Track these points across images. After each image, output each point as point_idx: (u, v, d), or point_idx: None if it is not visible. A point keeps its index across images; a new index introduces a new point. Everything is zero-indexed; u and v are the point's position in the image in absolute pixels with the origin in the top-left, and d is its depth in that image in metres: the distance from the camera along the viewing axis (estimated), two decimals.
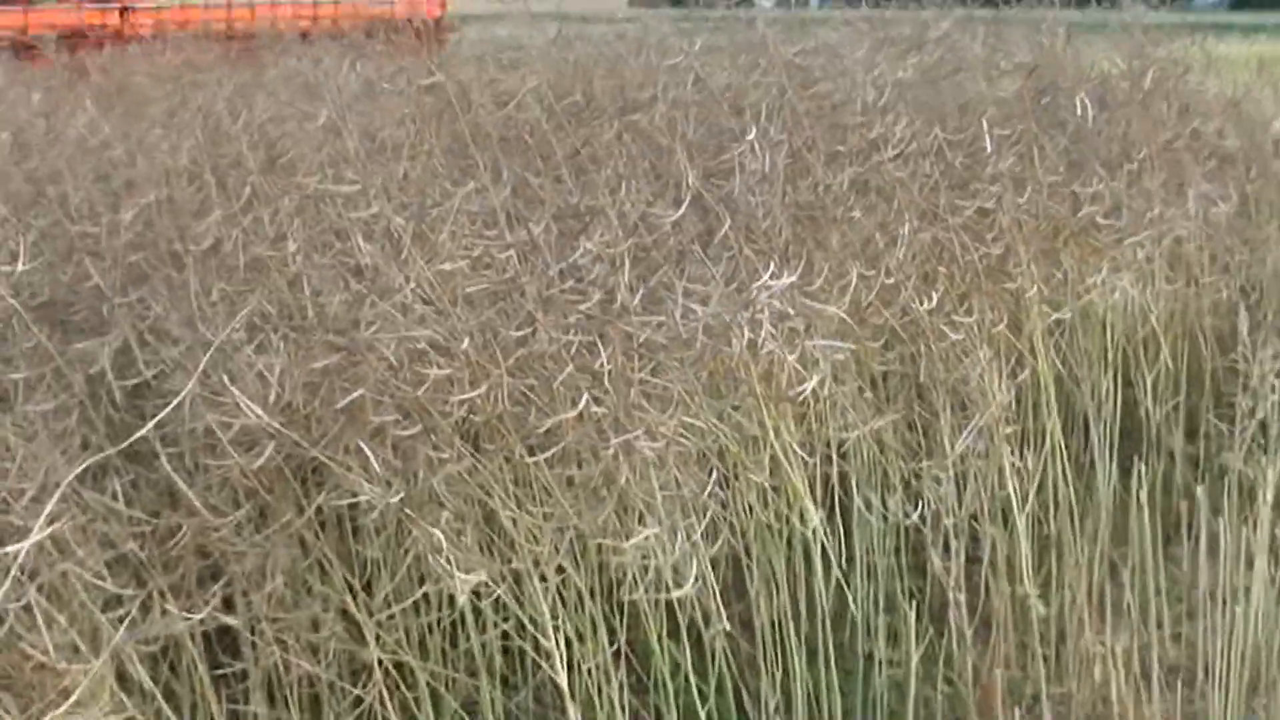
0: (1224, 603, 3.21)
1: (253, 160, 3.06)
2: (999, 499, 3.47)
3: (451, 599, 2.81)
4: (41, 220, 3.08)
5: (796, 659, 3.07)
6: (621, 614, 2.85)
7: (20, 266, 2.76)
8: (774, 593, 3.04)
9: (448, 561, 2.31)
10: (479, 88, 3.78)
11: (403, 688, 2.73)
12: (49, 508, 2.05)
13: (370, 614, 2.69)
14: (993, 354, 3.38)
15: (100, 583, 2.16)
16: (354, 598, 2.66)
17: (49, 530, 2.01)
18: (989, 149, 3.47)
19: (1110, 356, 4.05)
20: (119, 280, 2.89)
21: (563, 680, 2.48)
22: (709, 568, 2.61)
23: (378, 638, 2.67)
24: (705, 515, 2.63)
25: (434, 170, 3.15)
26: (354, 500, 2.33)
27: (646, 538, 2.45)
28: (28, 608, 2.20)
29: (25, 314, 2.69)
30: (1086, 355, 4.04)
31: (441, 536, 2.29)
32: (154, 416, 2.63)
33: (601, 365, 2.43)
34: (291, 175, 3.07)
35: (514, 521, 2.44)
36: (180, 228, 2.79)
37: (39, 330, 2.69)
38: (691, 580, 2.49)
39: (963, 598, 3.21)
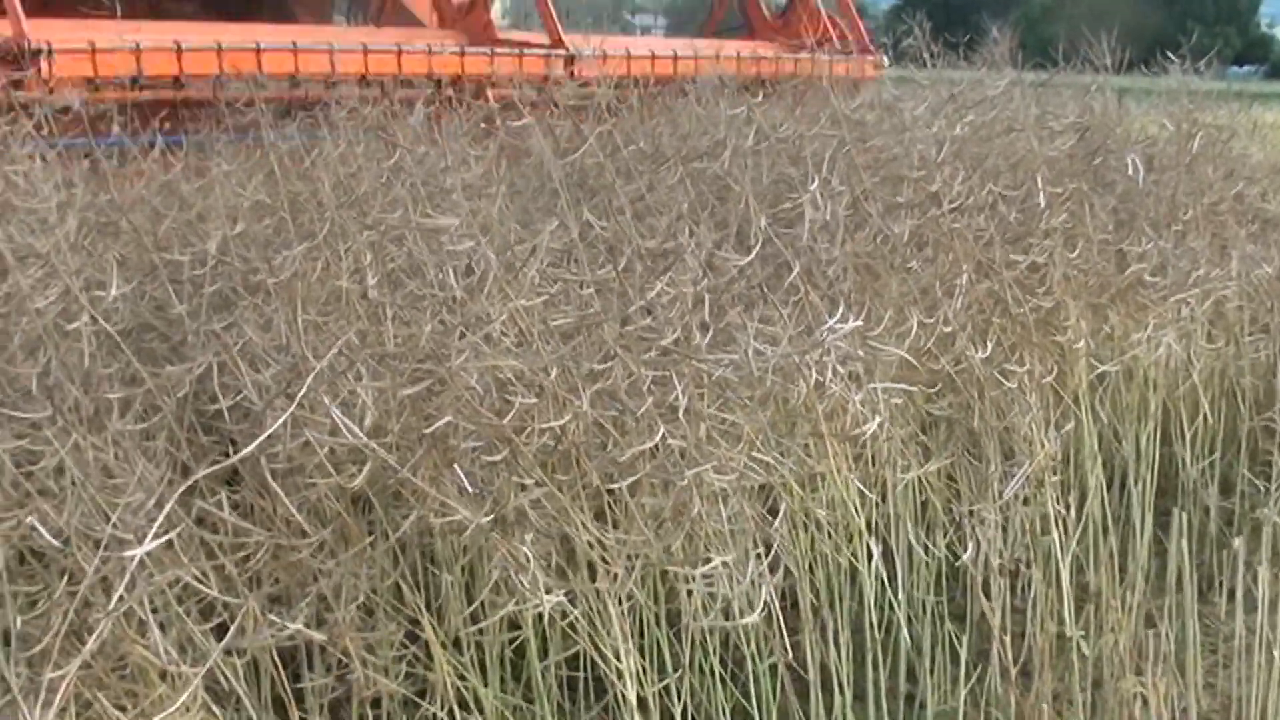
0: (1258, 653, 3.28)
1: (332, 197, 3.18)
2: (1042, 545, 3.55)
3: (514, 624, 2.90)
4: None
5: (844, 696, 3.14)
6: (681, 642, 2.93)
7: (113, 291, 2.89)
8: (825, 629, 3.12)
9: (531, 580, 2.41)
10: (541, 134, 3.89)
11: (470, 709, 2.81)
12: (158, 523, 2.15)
13: (438, 637, 2.78)
14: (1041, 404, 3.47)
15: (208, 591, 2.25)
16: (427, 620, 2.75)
17: (160, 541, 2.10)
18: (1042, 205, 3.57)
19: (1151, 411, 4.14)
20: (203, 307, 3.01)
21: (632, 694, 2.56)
22: (774, 598, 2.69)
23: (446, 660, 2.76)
24: (771, 549, 2.72)
25: (503, 212, 3.27)
26: (444, 520, 2.42)
27: (716, 567, 2.53)
28: (127, 616, 2.30)
29: (115, 338, 2.80)
30: (1128, 409, 4.13)
31: (529, 554, 2.38)
32: (238, 439, 2.74)
33: (676, 400, 2.53)
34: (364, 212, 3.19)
35: (591, 546, 2.53)
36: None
37: (127, 354, 2.80)
38: (759, 609, 2.57)
39: (1008, 640, 3.29)
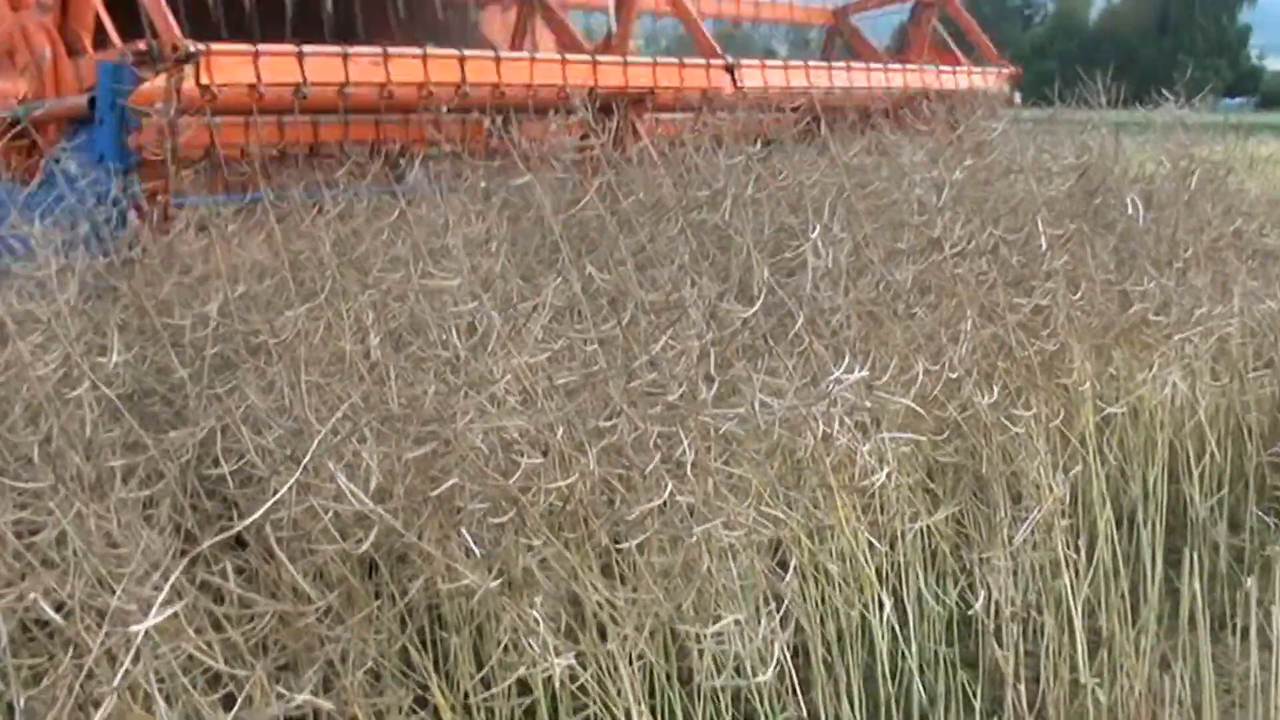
0: (1274, 692, 3.25)
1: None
2: (1053, 590, 3.52)
3: (525, 686, 2.86)
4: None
5: None
6: (693, 700, 2.89)
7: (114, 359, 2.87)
8: (837, 681, 3.09)
9: (541, 644, 2.38)
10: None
11: None
12: (163, 595, 2.12)
13: (447, 701, 2.75)
14: (1048, 448, 3.44)
15: (213, 663, 2.22)
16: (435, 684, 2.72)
17: (166, 614, 2.07)
18: (1043, 247, 3.56)
19: (1159, 450, 4.11)
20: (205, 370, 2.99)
21: None
22: (785, 653, 2.66)
23: None
24: (782, 604, 2.69)
25: (505, 267, 3.25)
26: (452, 586, 2.39)
27: (727, 625, 2.51)
28: (132, 689, 2.27)
29: (117, 404, 2.78)
30: (1135, 450, 4.10)
31: (539, 618, 2.36)
32: (242, 503, 2.72)
33: (683, 455, 2.51)
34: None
35: (600, 606, 2.50)
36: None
37: (129, 420, 2.78)
38: (772, 667, 2.54)
39: (1022, 689, 3.25)
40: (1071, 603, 3.49)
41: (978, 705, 3.11)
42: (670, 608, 2.55)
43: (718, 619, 2.55)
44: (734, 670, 2.63)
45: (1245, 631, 3.43)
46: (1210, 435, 4.22)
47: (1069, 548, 3.49)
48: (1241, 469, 4.56)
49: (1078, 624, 3.50)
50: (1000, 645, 3.30)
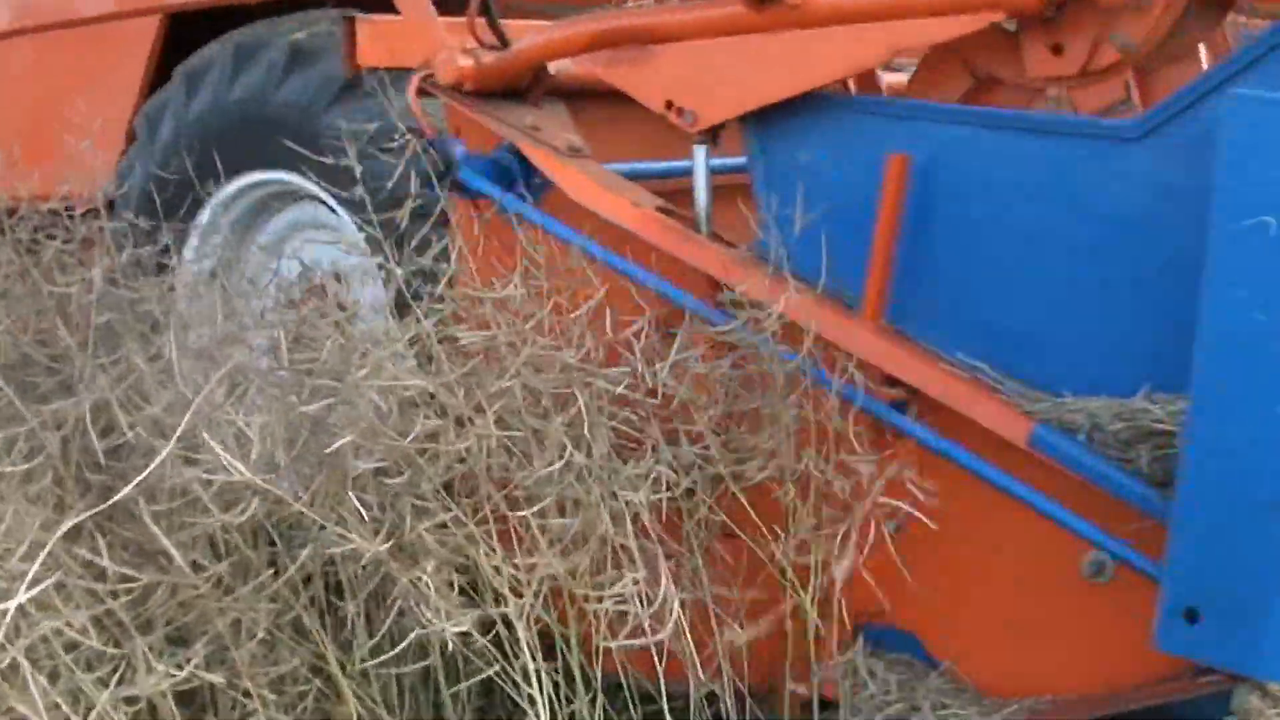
0: None
1: None
2: None
3: (423, 651, 2.80)
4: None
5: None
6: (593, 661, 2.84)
7: None
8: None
9: (434, 610, 2.33)
10: None
11: None
12: (34, 569, 2.06)
13: (343, 669, 2.69)
14: None
15: (85, 640, 2.16)
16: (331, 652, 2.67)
17: (35, 591, 2.01)
18: None
19: None
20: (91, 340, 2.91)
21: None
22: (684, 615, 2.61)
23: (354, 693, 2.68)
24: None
25: None
26: (342, 550, 2.34)
27: (626, 585, 2.47)
28: (12, 667, 2.20)
29: None
30: None
31: (429, 584, 2.31)
32: (128, 475, 2.64)
33: (579, 417, 2.46)
34: None
35: (497, 570, 2.46)
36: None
37: (9, 392, 2.70)
38: (668, 628, 2.51)
39: None
40: None
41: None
42: (566, 571, 2.51)
43: (615, 580, 2.51)
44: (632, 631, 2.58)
45: None
46: None
47: None
48: None
49: None
50: None
